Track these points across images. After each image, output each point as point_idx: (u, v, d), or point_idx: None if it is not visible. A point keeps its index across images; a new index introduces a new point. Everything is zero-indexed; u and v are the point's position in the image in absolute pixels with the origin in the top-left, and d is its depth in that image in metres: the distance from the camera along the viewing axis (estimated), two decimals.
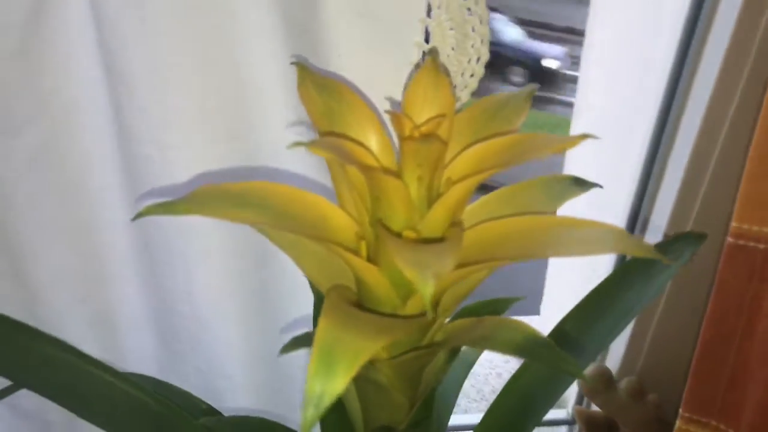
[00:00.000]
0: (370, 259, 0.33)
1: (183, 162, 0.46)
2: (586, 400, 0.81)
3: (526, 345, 0.30)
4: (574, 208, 0.40)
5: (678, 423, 0.41)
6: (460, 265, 0.33)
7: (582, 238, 0.31)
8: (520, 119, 0.36)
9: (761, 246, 0.37)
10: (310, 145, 0.27)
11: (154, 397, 0.46)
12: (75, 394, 0.44)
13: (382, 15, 0.40)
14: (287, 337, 0.40)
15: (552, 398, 0.47)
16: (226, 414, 0.50)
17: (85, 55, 0.44)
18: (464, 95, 0.42)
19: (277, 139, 0.47)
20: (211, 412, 0.51)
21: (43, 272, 0.50)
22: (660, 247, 0.54)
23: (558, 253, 0.30)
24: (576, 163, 0.80)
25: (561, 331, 0.49)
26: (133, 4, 0.40)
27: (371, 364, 0.35)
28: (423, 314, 0.32)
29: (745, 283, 0.38)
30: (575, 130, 0.84)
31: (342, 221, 0.33)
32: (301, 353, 0.58)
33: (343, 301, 0.30)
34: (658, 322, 0.69)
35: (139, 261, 0.53)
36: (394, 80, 0.42)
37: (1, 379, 0.42)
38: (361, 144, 0.31)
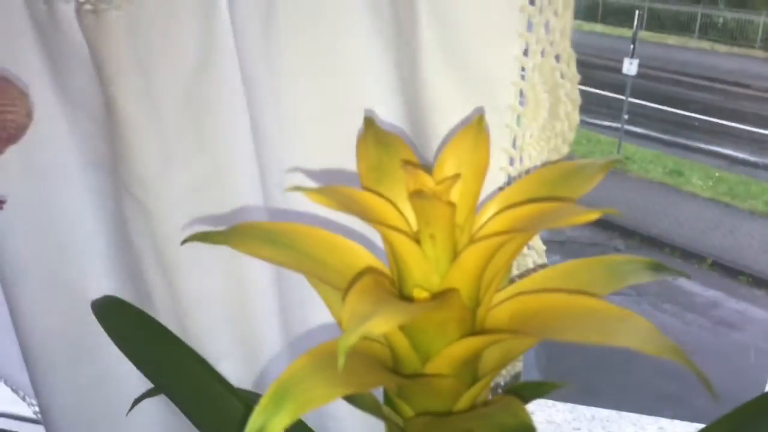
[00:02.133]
0: None
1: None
2: None
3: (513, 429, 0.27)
4: None
5: None
6: (483, 332, 0.32)
7: (610, 327, 0.27)
8: (586, 189, 0.33)
9: None
10: (309, 192, 0.29)
11: None
12: (202, 409, 0.49)
13: (475, 76, 0.40)
14: None
15: None
16: None
17: (238, 106, 0.51)
18: (554, 158, 0.39)
19: None
20: None
21: (194, 290, 0.57)
22: None
23: (581, 338, 0.27)
24: None
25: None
26: (266, 65, 0.46)
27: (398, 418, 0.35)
28: (431, 376, 0.30)
29: None
30: None
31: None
32: None
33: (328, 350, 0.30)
34: None
35: (279, 294, 0.58)
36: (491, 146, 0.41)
37: None
38: (389, 201, 0.31)
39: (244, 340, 0.61)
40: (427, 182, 0.30)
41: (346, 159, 0.49)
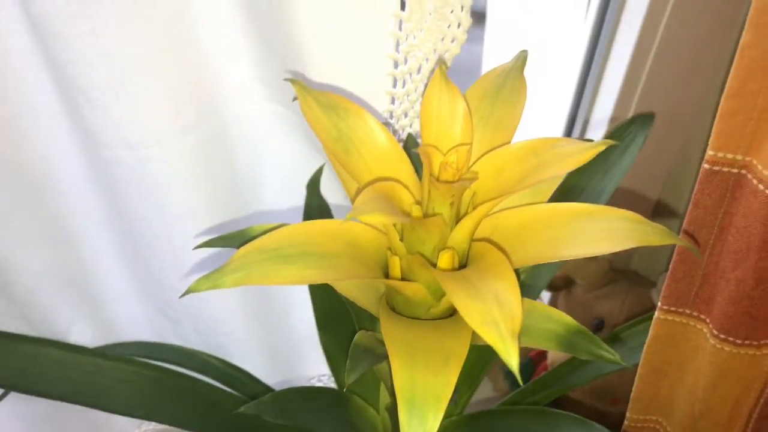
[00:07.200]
0: (403, 271, 0.34)
1: (157, 159, 0.44)
2: None
3: (566, 337, 0.33)
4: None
5: (657, 314, 0.47)
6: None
7: (601, 230, 0.32)
8: (521, 98, 0.36)
9: (734, 170, 0.41)
10: (361, 216, 0.27)
11: (170, 373, 0.46)
12: (93, 388, 0.44)
13: None
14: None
15: None
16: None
17: (20, 66, 0.39)
18: (448, 58, 0.41)
19: (247, 114, 0.45)
20: (228, 367, 0.53)
21: (26, 279, 0.48)
22: (615, 133, 0.57)
23: (579, 253, 0.31)
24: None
25: None
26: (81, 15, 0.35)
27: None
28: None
29: (718, 201, 0.42)
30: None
31: (371, 239, 0.34)
32: (301, 307, 0.59)
33: (400, 327, 0.31)
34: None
35: (120, 244, 0.52)
36: (371, 53, 0.40)
37: None
38: (393, 180, 0.31)
39: (89, 296, 0.55)
40: (437, 159, 0.30)
41: (187, 96, 0.43)
